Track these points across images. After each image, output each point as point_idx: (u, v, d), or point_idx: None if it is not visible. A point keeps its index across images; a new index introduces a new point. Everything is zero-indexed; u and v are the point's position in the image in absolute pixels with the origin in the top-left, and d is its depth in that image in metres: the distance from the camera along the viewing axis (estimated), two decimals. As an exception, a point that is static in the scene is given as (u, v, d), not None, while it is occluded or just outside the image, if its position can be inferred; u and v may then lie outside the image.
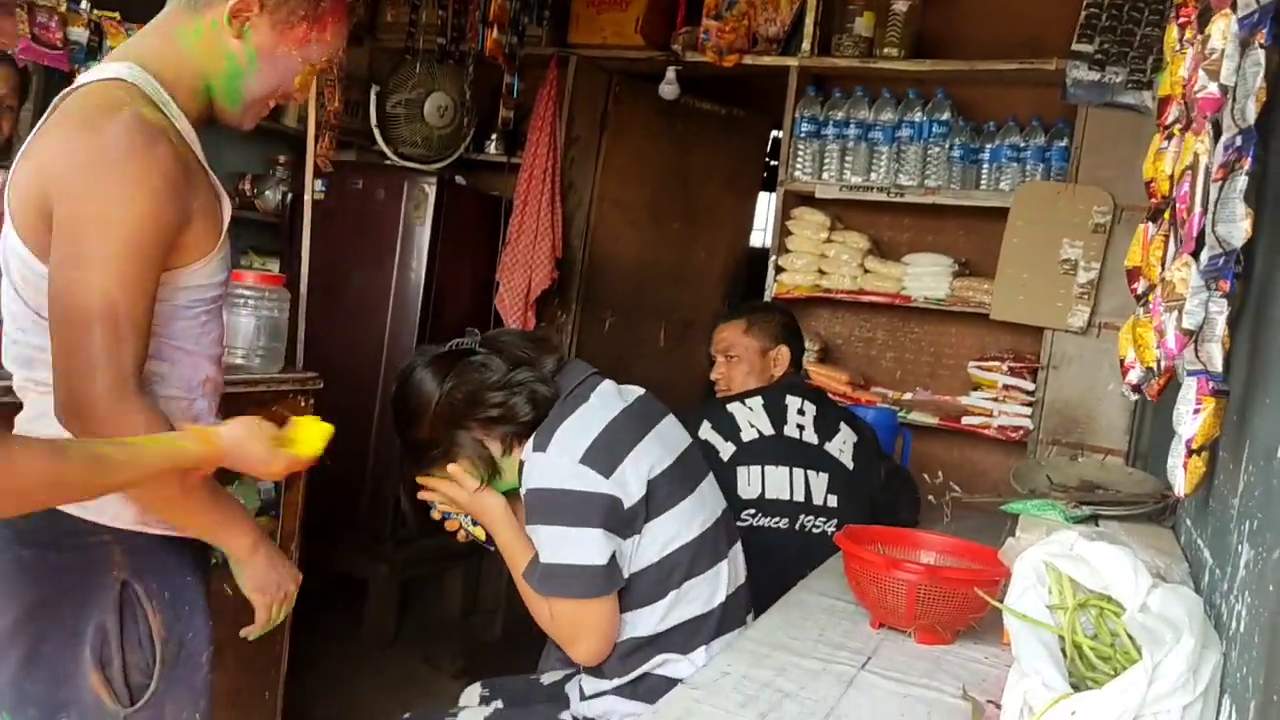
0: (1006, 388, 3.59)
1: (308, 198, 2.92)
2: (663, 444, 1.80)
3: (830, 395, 3.70)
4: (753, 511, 2.44)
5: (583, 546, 1.66)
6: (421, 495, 1.83)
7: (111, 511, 1.41)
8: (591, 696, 1.81)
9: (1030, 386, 3.55)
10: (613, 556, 1.68)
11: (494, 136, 4.45)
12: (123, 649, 1.42)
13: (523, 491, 1.72)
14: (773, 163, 4.87)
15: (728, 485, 2.41)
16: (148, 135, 1.29)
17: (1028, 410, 3.54)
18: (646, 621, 1.75)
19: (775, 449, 2.47)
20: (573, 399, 1.77)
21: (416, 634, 3.91)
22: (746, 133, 4.97)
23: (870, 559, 1.74)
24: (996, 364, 3.63)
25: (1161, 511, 2.03)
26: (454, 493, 1.79)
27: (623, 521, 1.69)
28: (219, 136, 4.13)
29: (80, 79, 1.37)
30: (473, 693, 2.06)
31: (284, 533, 2.50)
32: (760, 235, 6.54)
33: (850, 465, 2.50)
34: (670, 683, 1.70)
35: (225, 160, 4.11)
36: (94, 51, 2.51)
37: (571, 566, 1.66)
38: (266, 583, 1.53)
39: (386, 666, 3.58)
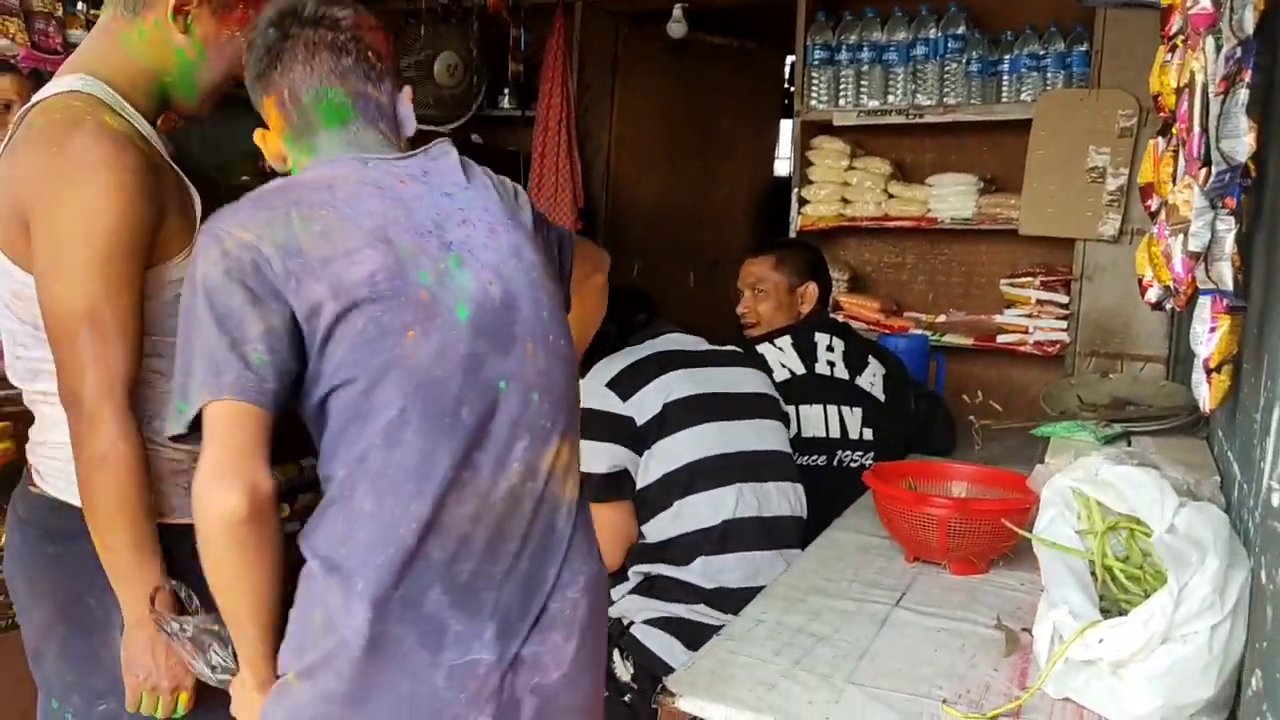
0: (1040, 303, 3.55)
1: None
2: (695, 381, 2.02)
3: (864, 324, 3.71)
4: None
5: (592, 456, 1.89)
6: None
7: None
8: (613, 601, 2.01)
9: (1065, 299, 3.50)
10: (616, 469, 1.98)
11: (506, 91, 4.42)
12: None
13: None
14: (791, 89, 4.80)
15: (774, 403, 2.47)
16: (114, 142, 1.31)
17: (1063, 324, 3.49)
18: (652, 531, 1.99)
19: (808, 387, 2.48)
20: (633, 340, 2.13)
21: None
22: (760, 64, 4.90)
23: (900, 496, 1.75)
24: (1029, 279, 3.58)
25: (1195, 424, 2.02)
26: None
27: (635, 437, 1.98)
28: (236, 113, 4.15)
29: (37, 95, 1.39)
30: None
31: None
32: (784, 164, 6.47)
33: (882, 397, 2.50)
34: (677, 584, 1.95)
35: (240, 136, 4.13)
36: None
37: (597, 476, 1.95)
38: (137, 665, 1.37)
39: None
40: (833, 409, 2.45)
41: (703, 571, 1.95)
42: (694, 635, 1.82)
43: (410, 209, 1.23)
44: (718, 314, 4.82)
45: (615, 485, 1.99)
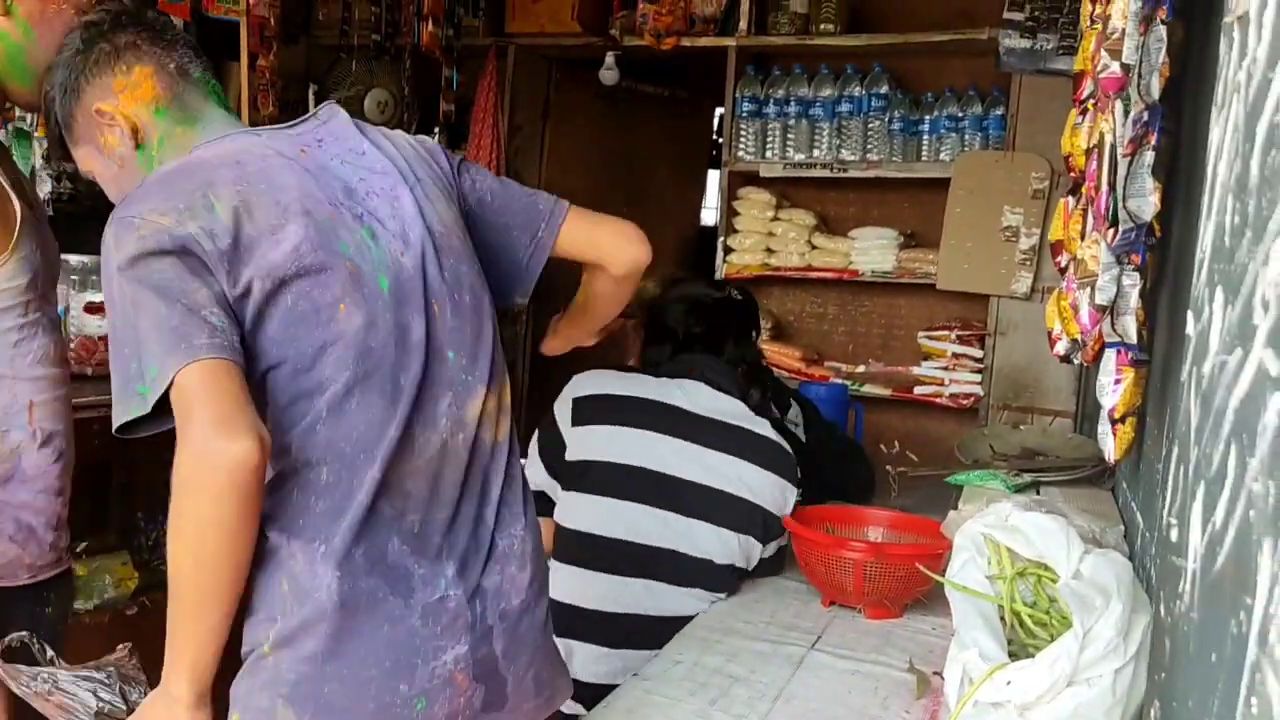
0: (956, 356, 3.64)
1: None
2: (646, 448, 1.93)
3: (785, 372, 3.76)
4: None
5: (539, 471, 1.97)
6: None
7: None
8: None
9: (979, 354, 3.60)
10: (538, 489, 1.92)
11: (436, 130, 4.41)
12: None
13: None
14: (720, 140, 4.87)
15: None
16: None
17: (978, 377, 3.59)
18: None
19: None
20: (657, 368, 2.09)
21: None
22: (691, 114, 4.98)
23: (818, 539, 1.77)
24: (945, 333, 3.68)
25: (1101, 475, 2.08)
26: None
27: (561, 470, 1.95)
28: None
29: None
30: None
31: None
32: (711, 214, 6.56)
33: (804, 438, 2.53)
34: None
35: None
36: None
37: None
38: None
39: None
40: None
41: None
42: None
43: (318, 179, 1.22)
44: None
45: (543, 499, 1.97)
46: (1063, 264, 1.65)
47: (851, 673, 1.52)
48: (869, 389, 3.76)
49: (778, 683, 1.47)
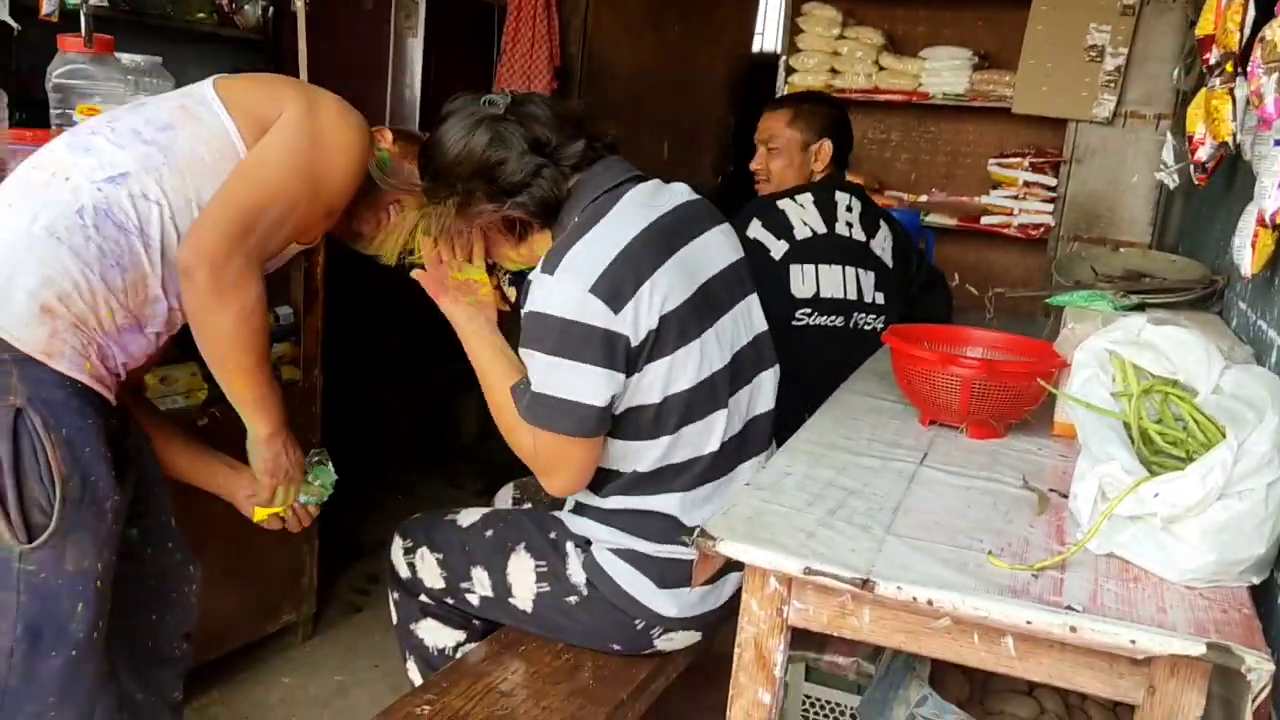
0: (1028, 184, 3.50)
1: (300, 6, 2.73)
2: (685, 272, 1.61)
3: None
4: (808, 310, 2.39)
5: (582, 383, 1.53)
6: (414, 274, 1.76)
7: (15, 332, 1.38)
8: (577, 511, 1.75)
9: (1052, 182, 3.46)
10: (611, 399, 1.55)
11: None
12: (19, 482, 1.37)
13: (524, 311, 1.58)
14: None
15: (779, 283, 2.35)
16: None
17: (1049, 207, 3.46)
18: (646, 458, 1.64)
19: (828, 247, 2.40)
20: (595, 206, 1.60)
21: (437, 459, 3.93)
22: (746, -73, 4.70)
23: (924, 356, 1.70)
24: (1018, 160, 3.53)
25: (1209, 297, 1.99)
26: (438, 278, 1.73)
27: (627, 360, 1.55)
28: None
29: None
30: (506, 493, 2.08)
31: (305, 357, 2.46)
32: (760, 40, 6.29)
33: (890, 263, 2.45)
34: (655, 517, 1.66)
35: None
36: None
37: (567, 402, 1.53)
38: (276, 467, 1.74)
39: (414, 489, 3.61)
40: (850, 271, 2.39)
41: (683, 505, 1.66)
42: (665, 572, 1.66)
43: None
44: (692, 185, 4.72)
45: (609, 416, 1.58)
46: (1212, 60, 1.52)
47: (966, 488, 1.47)
48: (932, 218, 3.65)
49: (894, 495, 1.42)
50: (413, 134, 1.85)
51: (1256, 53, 1.26)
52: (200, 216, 1.51)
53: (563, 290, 1.51)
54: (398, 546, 1.88)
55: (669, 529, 1.65)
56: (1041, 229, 3.48)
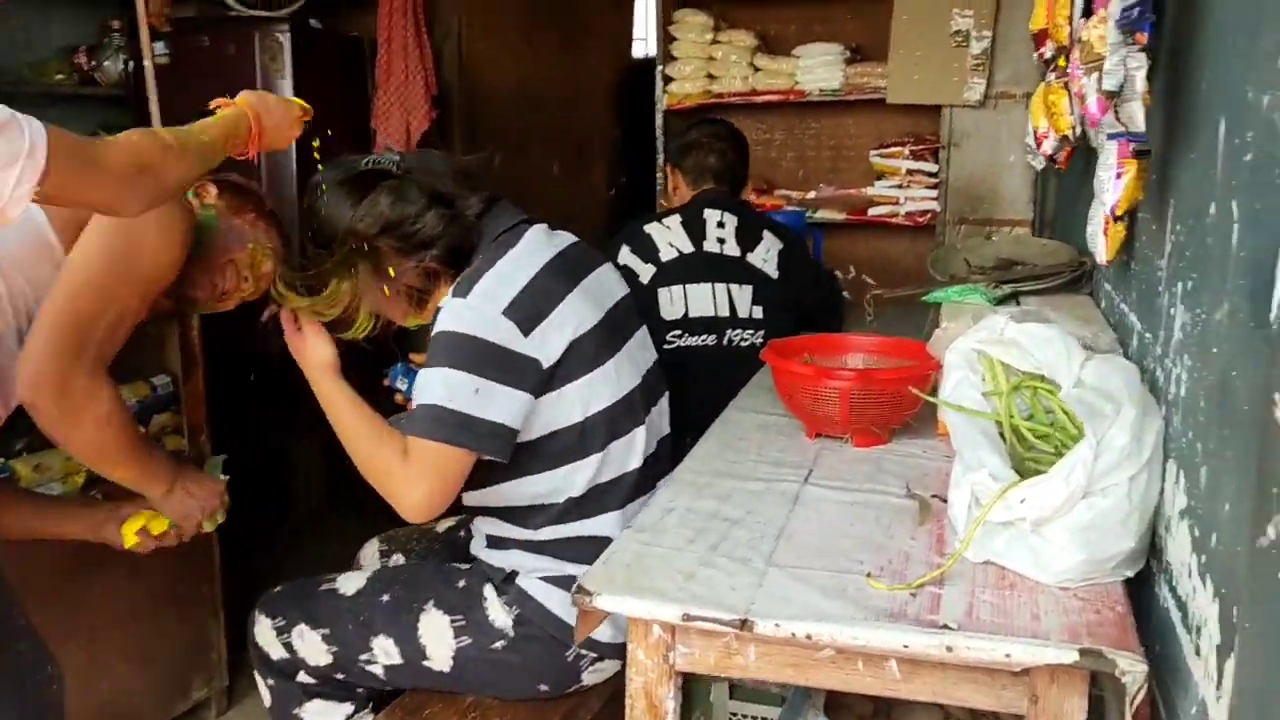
0: (910, 172, 3.54)
1: (148, 63, 2.65)
2: (591, 300, 1.67)
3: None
4: (678, 332, 2.39)
5: (490, 401, 1.54)
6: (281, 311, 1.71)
7: None
8: (495, 545, 1.73)
9: (933, 168, 3.50)
10: (516, 421, 1.57)
11: (348, -26, 4.10)
12: None
13: (433, 333, 1.60)
14: (645, -35, 4.60)
15: (649, 308, 2.35)
16: None
17: (933, 193, 3.50)
18: (577, 482, 1.66)
19: (695, 266, 2.41)
20: (498, 244, 1.65)
21: (349, 501, 3.85)
22: (613, -63, 4.69)
23: (800, 371, 1.70)
24: (898, 149, 3.57)
25: (1078, 279, 2.02)
26: (304, 320, 1.68)
27: (537, 382, 1.58)
28: (46, 6, 3.75)
29: None
30: (371, 549, 2.02)
31: (191, 425, 2.38)
32: (643, 45, 6.29)
33: (774, 274, 2.44)
34: (588, 540, 1.65)
35: (53, 33, 3.74)
36: None
37: (470, 417, 1.53)
38: (187, 512, 1.79)
39: (323, 536, 3.52)
40: (721, 287, 2.39)
41: (617, 525, 1.67)
42: None
43: None
44: (587, 198, 4.69)
45: (505, 440, 1.57)
46: (1048, 54, 1.54)
47: (850, 503, 1.47)
48: (822, 214, 3.67)
49: (777, 520, 1.41)
50: (239, 185, 1.79)
51: (1075, 54, 1.27)
52: (29, 345, 1.47)
53: (474, 312, 1.56)
54: (265, 626, 1.77)
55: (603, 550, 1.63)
56: (928, 215, 3.52)
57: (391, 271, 1.64)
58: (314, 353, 1.67)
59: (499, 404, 1.55)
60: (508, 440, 1.57)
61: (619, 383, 1.68)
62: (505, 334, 1.55)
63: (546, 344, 1.59)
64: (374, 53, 3.93)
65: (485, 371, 1.54)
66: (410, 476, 1.53)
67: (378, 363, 1.89)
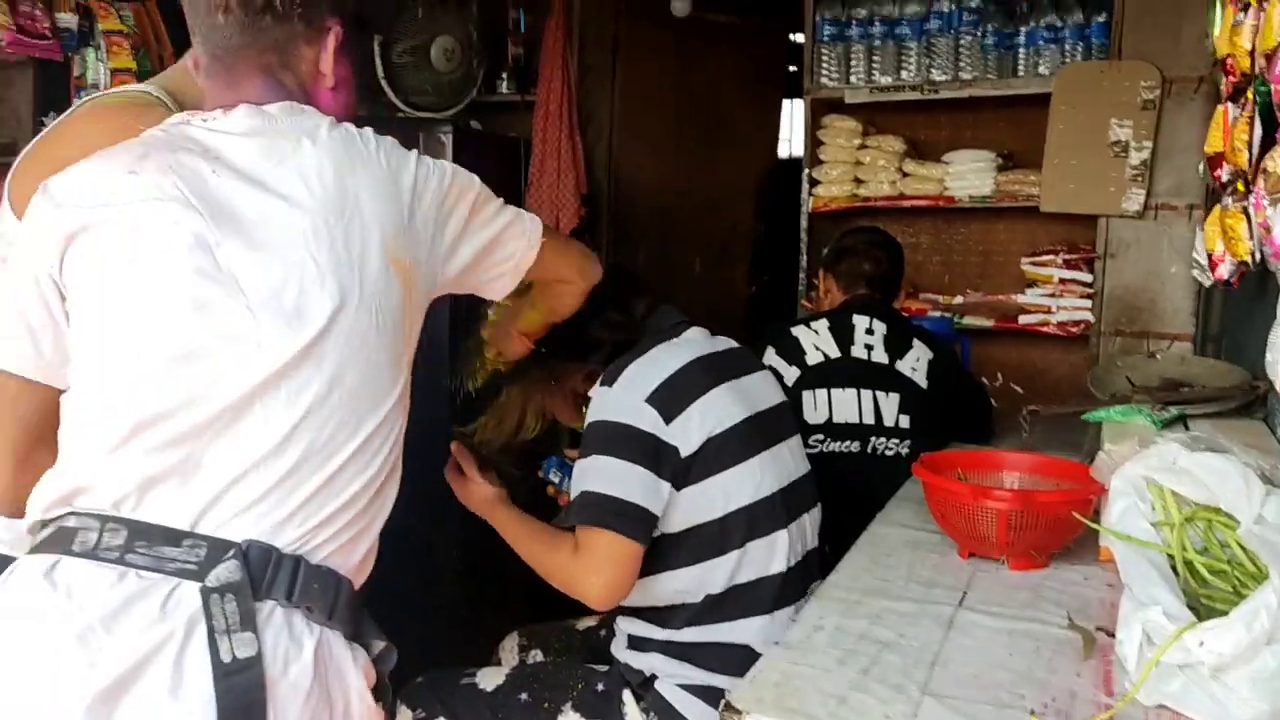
0: (1063, 281, 3.46)
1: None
2: (739, 398, 1.71)
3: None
4: (820, 436, 2.37)
5: (634, 482, 1.61)
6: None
7: None
8: (635, 646, 1.75)
9: (1088, 278, 3.42)
10: (658, 507, 1.62)
11: (505, 75, 4.30)
12: None
13: (585, 423, 1.69)
14: (794, 70, 4.69)
15: (794, 411, 2.34)
16: None
17: (1087, 303, 3.41)
18: (716, 579, 1.68)
19: (841, 371, 2.40)
20: (652, 342, 1.74)
21: (488, 595, 3.87)
22: (763, 43, 4.80)
23: (955, 489, 1.66)
24: (1051, 257, 3.50)
25: (1252, 404, 1.93)
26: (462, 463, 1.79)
27: (675, 471, 1.64)
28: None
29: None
30: (511, 642, 2.03)
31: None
32: (788, 146, 6.37)
33: (924, 384, 2.41)
34: (727, 648, 1.66)
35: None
36: (85, 37, 2.40)
37: (618, 500, 1.59)
38: None
39: (463, 625, 3.55)
40: (867, 394, 2.36)
41: (759, 635, 1.66)
42: None
43: None
44: (728, 298, 4.73)
45: (650, 524, 1.61)
46: (1224, 178, 1.50)
47: (1008, 632, 1.42)
48: (969, 320, 3.61)
49: (931, 646, 1.36)
50: None
51: (1260, 184, 1.24)
52: None
53: (620, 400, 1.65)
54: (406, 717, 1.80)
55: (745, 661, 1.58)
56: (1081, 325, 3.43)
57: (559, 375, 1.71)
58: (478, 494, 1.77)
59: (644, 487, 1.61)
60: (650, 525, 1.61)
61: (761, 483, 1.70)
62: (647, 420, 1.63)
63: (686, 434, 1.64)
64: (529, 152, 4.09)
65: (631, 457, 1.61)
66: (583, 569, 1.61)
67: (533, 455, 1.95)
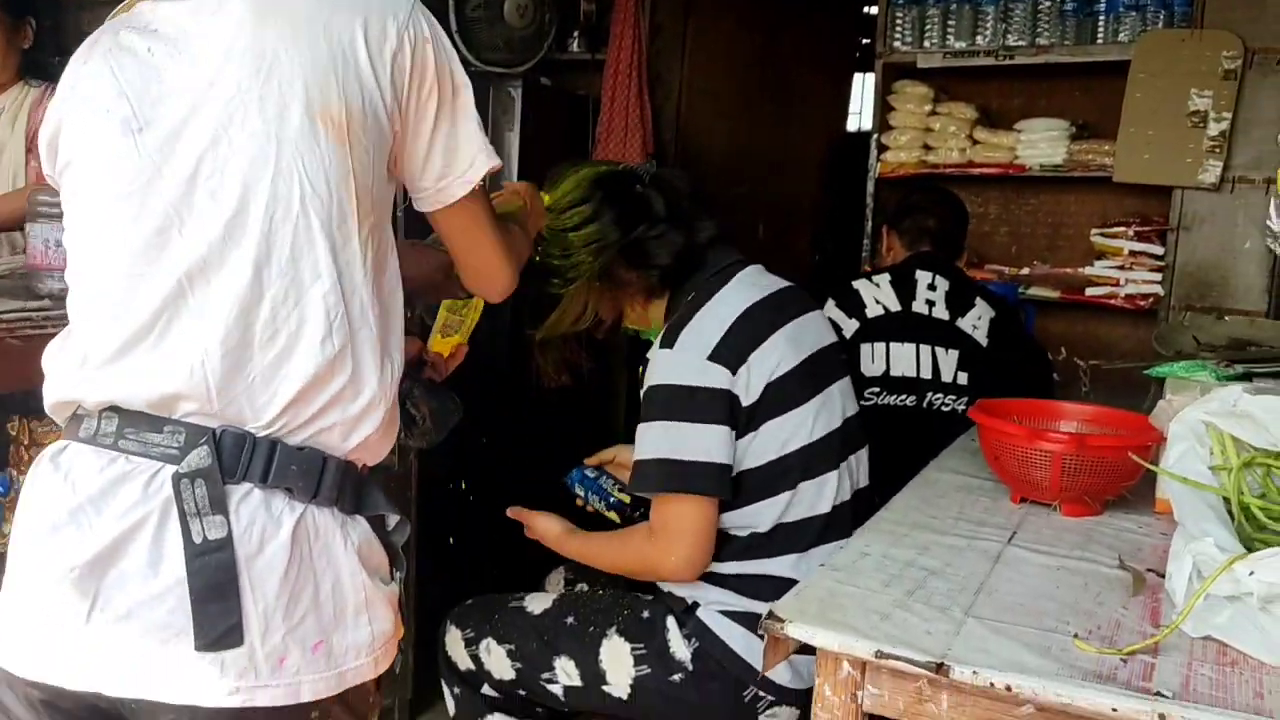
0: (1133, 254, 3.40)
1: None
2: (793, 342, 1.72)
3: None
4: (876, 389, 2.37)
5: (710, 442, 1.63)
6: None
7: None
8: None
9: (1159, 250, 3.35)
10: (731, 458, 1.65)
11: (576, 34, 4.31)
12: None
13: (644, 387, 1.69)
14: (866, 41, 4.65)
15: (850, 363, 2.34)
16: None
17: (1157, 276, 3.35)
18: (765, 518, 1.70)
19: (901, 325, 2.39)
20: (708, 285, 1.74)
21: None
22: (836, 12, 4.75)
23: (1010, 430, 1.65)
24: (1122, 229, 3.44)
25: (1321, 366, 1.88)
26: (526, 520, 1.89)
27: (741, 420, 1.66)
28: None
29: None
30: (557, 575, 2.07)
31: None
32: (855, 119, 6.31)
33: (984, 341, 2.39)
34: (769, 580, 1.68)
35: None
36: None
37: (697, 463, 1.62)
38: None
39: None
40: (925, 349, 2.35)
41: (798, 567, 1.68)
42: None
43: None
44: (789, 266, 4.71)
45: (728, 479, 1.65)
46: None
47: (1056, 568, 1.41)
48: (1035, 291, 3.57)
49: (977, 576, 1.37)
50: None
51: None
52: None
53: (682, 361, 1.65)
54: (455, 638, 1.84)
55: (785, 590, 1.64)
56: (1150, 299, 3.36)
57: (619, 283, 1.78)
58: (547, 531, 1.84)
59: (721, 443, 1.63)
60: (726, 478, 1.64)
61: (815, 425, 1.71)
62: (717, 377, 1.64)
63: (749, 384, 1.65)
64: (597, 110, 4.11)
65: (703, 417, 1.63)
66: (660, 551, 1.66)
67: (558, 467, 2.06)
